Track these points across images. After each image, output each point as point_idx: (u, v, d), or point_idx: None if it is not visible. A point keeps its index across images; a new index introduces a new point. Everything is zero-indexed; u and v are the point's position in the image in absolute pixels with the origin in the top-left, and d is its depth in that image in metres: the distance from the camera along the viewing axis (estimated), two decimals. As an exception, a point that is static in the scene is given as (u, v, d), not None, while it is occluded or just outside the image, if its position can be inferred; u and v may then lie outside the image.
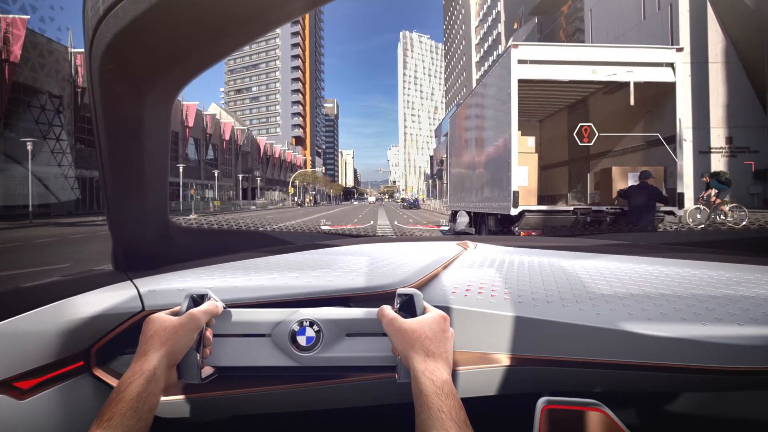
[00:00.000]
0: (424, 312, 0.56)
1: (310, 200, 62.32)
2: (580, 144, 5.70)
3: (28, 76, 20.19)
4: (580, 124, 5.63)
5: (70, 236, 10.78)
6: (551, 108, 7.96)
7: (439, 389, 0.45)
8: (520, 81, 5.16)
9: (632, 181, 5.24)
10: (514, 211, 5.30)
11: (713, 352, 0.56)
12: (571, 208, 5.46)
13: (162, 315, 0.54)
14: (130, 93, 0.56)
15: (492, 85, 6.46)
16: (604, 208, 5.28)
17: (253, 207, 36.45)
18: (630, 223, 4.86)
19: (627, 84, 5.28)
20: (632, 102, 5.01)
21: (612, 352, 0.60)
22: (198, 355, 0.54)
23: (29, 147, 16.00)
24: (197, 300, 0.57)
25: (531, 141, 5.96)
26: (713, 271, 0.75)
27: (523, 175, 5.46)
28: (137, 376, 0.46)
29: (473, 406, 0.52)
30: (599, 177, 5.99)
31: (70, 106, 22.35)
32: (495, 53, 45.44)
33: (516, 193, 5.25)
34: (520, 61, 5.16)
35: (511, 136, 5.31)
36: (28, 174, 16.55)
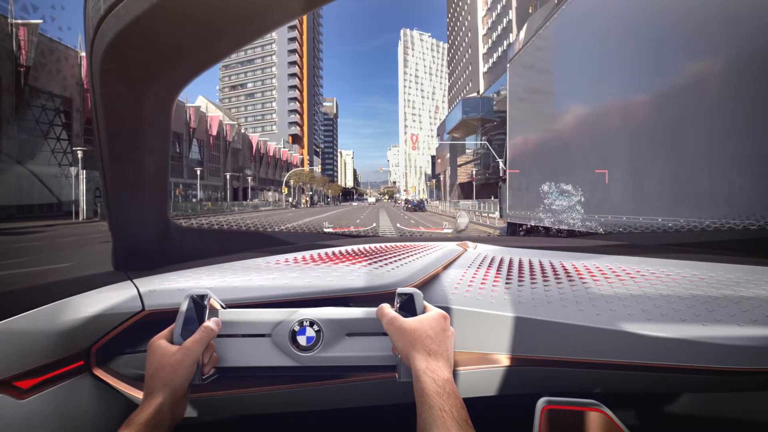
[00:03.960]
0: (424, 311, 0.56)
1: (306, 201, 58.77)
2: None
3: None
4: None
5: None
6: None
7: (440, 388, 0.45)
8: None
9: None
10: None
11: (713, 353, 0.56)
12: None
13: (162, 345, 0.53)
14: (131, 93, 0.56)
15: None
16: None
17: (243, 209, 32.86)
18: None
19: None
20: None
21: (611, 353, 0.59)
22: None
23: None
24: (197, 300, 0.56)
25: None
26: (713, 272, 0.74)
27: None
28: (146, 407, 0.47)
29: (473, 406, 0.52)
30: None
31: (10, 90, 18.66)
32: (505, 42, 41.91)
33: None
34: None
35: None
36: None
